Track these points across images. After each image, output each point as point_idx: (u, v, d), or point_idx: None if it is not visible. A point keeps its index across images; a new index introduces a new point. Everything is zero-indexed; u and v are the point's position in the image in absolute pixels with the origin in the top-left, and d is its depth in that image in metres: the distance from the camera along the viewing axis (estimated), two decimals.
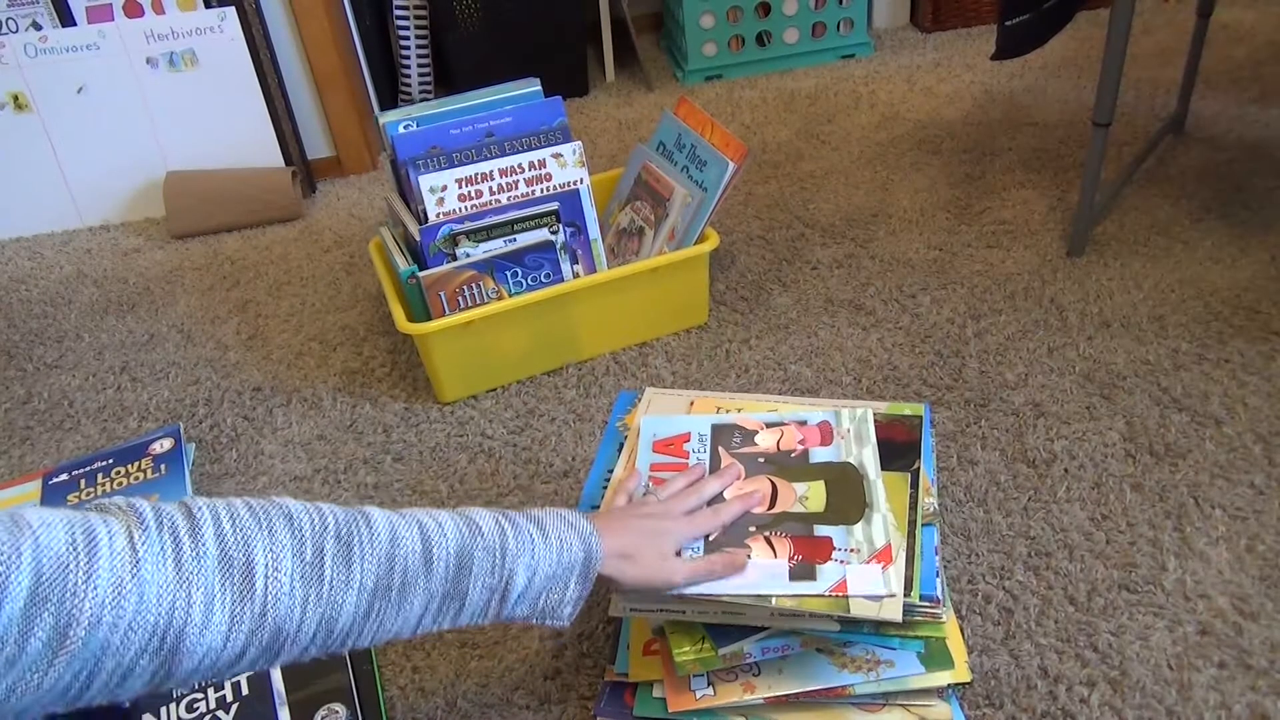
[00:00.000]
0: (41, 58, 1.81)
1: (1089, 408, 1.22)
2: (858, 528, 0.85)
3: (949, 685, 0.87)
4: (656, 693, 0.90)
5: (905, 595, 0.79)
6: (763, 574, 0.82)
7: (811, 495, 0.89)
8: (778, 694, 0.86)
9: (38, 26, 1.79)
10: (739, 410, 1.03)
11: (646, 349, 1.42)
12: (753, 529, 0.87)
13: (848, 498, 0.88)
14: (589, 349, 1.41)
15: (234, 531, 0.58)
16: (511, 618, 0.73)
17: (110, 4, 1.80)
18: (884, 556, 0.82)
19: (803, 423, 0.97)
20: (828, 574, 0.81)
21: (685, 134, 1.42)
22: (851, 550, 0.83)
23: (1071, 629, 0.95)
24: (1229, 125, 1.82)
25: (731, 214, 1.74)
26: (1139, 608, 0.97)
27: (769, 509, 0.89)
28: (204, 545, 0.56)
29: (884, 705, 0.87)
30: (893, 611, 0.79)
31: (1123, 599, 0.98)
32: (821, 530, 0.85)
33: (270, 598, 0.58)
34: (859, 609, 0.79)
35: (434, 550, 0.67)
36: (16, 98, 1.83)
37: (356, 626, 0.64)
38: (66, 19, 1.79)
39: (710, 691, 0.87)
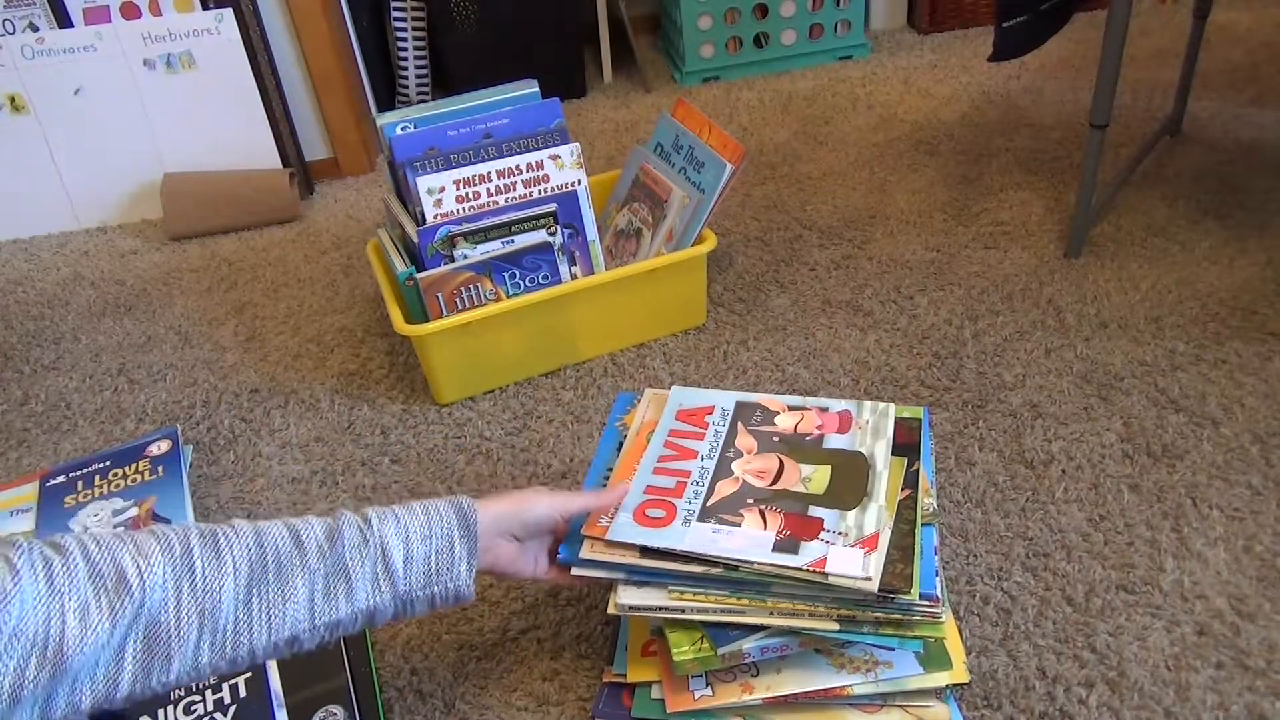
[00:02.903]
0: (39, 59, 1.80)
1: (1086, 408, 1.22)
2: (851, 513, 0.87)
3: (947, 686, 0.88)
4: (655, 694, 0.90)
5: (905, 593, 0.80)
6: (748, 542, 0.84)
7: (815, 477, 0.91)
8: (776, 695, 0.86)
9: (35, 28, 1.79)
10: None
11: (644, 350, 1.42)
12: (750, 501, 0.89)
13: (850, 484, 0.90)
14: (587, 350, 1.41)
15: (99, 549, 0.61)
16: (415, 596, 0.75)
17: (107, 6, 1.80)
18: (869, 543, 0.83)
19: (824, 409, 0.99)
20: (810, 550, 0.83)
21: (683, 135, 1.42)
22: (840, 533, 0.85)
23: (1069, 630, 0.95)
24: (1226, 127, 1.83)
25: (729, 215, 1.74)
26: (1137, 608, 0.97)
27: (772, 485, 0.91)
28: (73, 561, 0.59)
29: (882, 706, 0.87)
30: (859, 593, 0.81)
31: (1121, 599, 0.98)
32: (815, 511, 0.87)
33: (146, 590, 0.60)
34: (836, 582, 0.80)
35: (300, 533, 0.70)
36: (13, 99, 1.83)
37: (244, 619, 0.65)
38: (64, 20, 1.79)
39: (709, 692, 0.87)
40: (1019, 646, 0.94)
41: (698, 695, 0.87)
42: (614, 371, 1.39)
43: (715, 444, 0.98)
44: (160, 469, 1.25)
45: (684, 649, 0.85)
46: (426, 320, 1.30)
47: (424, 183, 1.31)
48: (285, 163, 1.97)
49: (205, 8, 1.82)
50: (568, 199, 1.35)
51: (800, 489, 0.90)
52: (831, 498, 0.89)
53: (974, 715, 0.89)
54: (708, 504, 0.90)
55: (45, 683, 0.57)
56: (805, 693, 0.86)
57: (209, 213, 1.88)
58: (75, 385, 1.49)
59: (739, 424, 0.99)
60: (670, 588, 0.85)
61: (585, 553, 0.87)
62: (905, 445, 0.95)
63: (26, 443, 1.39)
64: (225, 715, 0.92)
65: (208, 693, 0.94)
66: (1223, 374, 1.25)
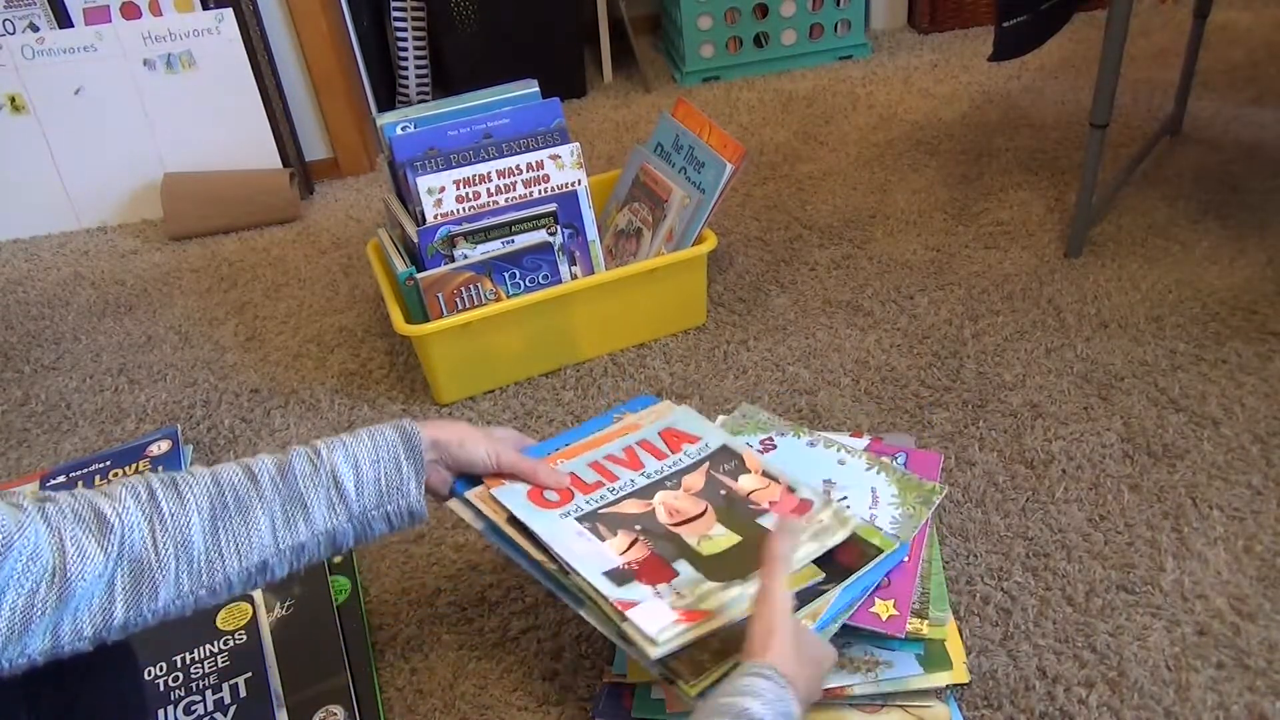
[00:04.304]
0: (39, 59, 1.80)
1: (1087, 408, 1.22)
2: (708, 584, 0.81)
3: (947, 686, 0.87)
4: (655, 694, 0.90)
5: (684, 683, 0.75)
6: (593, 555, 0.83)
7: (717, 541, 0.86)
8: None
9: (35, 28, 1.79)
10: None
11: (645, 350, 1.42)
12: (637, 527, 0.87)
13: (740, 562, 0.83)
14: (587, 350, 1.41)
15: (75, 499, 0.68)
16: (371, 516, 0.79)
17: (108, 6, 1.80)
18: (692, 617, 0.76)
19: (792, 489, 0.92)
20: (634, 591, 0.79)
21: (683, 135, 1.42)
22: (678, 593, 0.79)
23: (1069, 630, 0.95)
24: (1226, 126, 1.83)
25: (729, 215, 1.74)
26: (1137, 608, 0.97)
27: (673, 524, 0.88)
28: (61, 505, 0.66)
29: (882, 706, 0.87)
30: (641, 654, 0.75)
31: (1121, 599, 0.98)
32: (680, 565, 0.83)
33: (125, 528, 0.67)
34: (628, 629, 0.76)
35: (253, 468, 0.75)
36: (14, 99, 1.83)
37: (214, 549, 0.71)
38: (64, 20, 1.79)
39: None
40: (1019, 646, 0.94)
41: None
42: (614, 371, 1.39)
43: (667, 469, 0.95)
44: (160, 469, 1.25)
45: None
46: (426, 320, 1.30)
47: (424, 183, 1.31)
48: (285, 163, 1.97)
49: (205, 8, 1.82)
50: (568, 199, 1.35)
51: (692, 542, 0.85)
52: (710, 563, 0.83)
53: (974, 715, 0.89)
54: (600, 510, 0.88)
55: (53, 608, 0.63)
56: None
57: (209, 213, 1.88)
58: (75, 385, 1.49)
59: (705, 464, 0.95)
60: (512, 560, 0.87)
61: (470, 494, 0.89)
62: (840, 565, 0.85)
63: (26, 443, 1.39)
64: (225, 715, 0.92)
65: (208, 693, 0.94)
66: (1223, 374, 1.25)
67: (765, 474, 0.94)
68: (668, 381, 1.36)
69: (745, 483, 0.93)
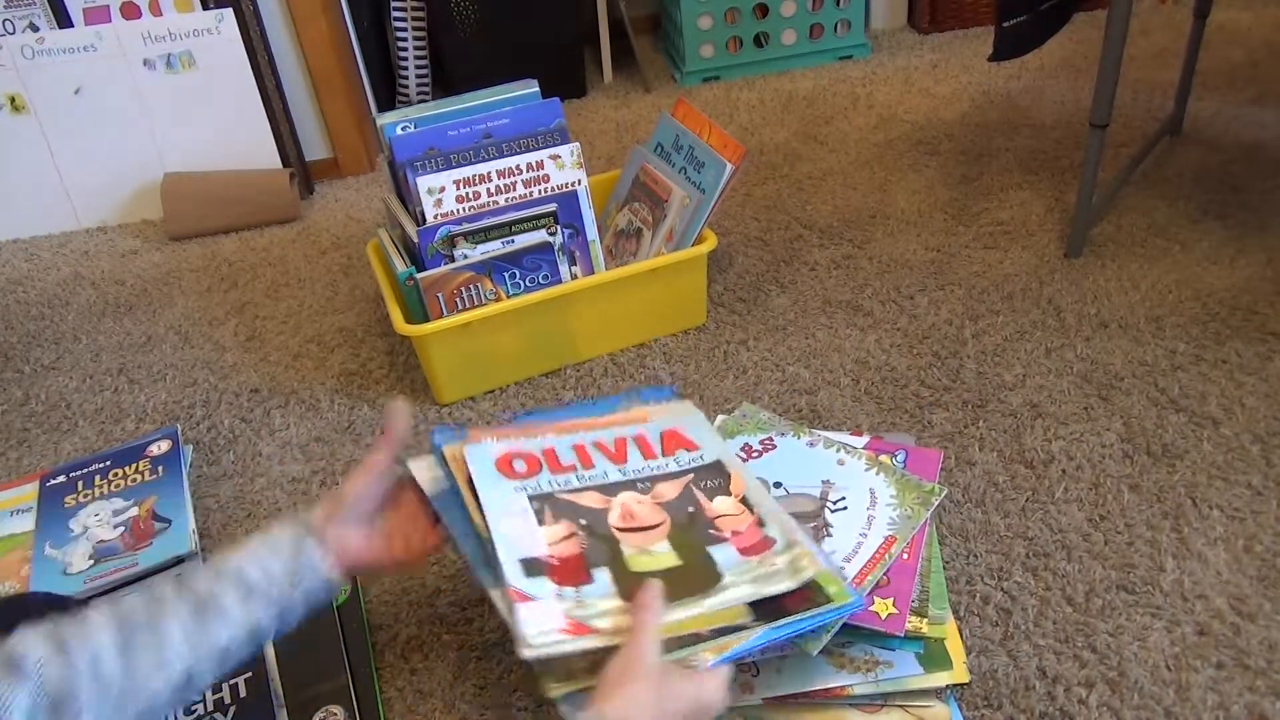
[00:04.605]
0: (39, 59, 1.80)
1: (1087, 408, 1.22)
2: (614, 602, 0.76)
3: (947, 686, 0.88)
4: None
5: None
6: (522, 538, 0.81)
7: (658, 558, 0.81)
8: (776, 694, 0.86)
9: (35, 28, 1.79)
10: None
11: (644, 350, 1.42)
12: (583, 522, 0.84)
13: (673, 586, 0.78)
14: (587, 350, 1.41)
15: None
16: (288, 600, 0.77)
17: (108, 5, 1.80)
18: (579, 629, 0.74)
19: (762, 523, 0.87)
20: (537, 586, 0.77)
21: (683, 135, 1.42)
22: (580, 601, 0.77)
23: (1069, 630, 0.95)
24: (1226, 126, 1.83)
25: (729, 215, 1.74)
26: (1137, 608, 0.97)
27: (620, 529, 0.84)
28: None
29: (882, 706, 0.87)
30: (520, 648, 0.73)
31: (1121, 599, 0.98)
32: (598, 571, 0.79)
33: (33, 667, 0.64)
34: (511, 620, 0.75)
35: (151, 587, 0.74)
36: (14, 99, 1.83)
37: (129, 669, 0.67)
38: (64, 20, 1.79)
39: None
40: (1019, 646, 0.94)
41: None
42: (614, 371, 1.39)
43: (648, 470, 0.91)
44: (160, 469, 1.25)
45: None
46: (426, 320, 1.30)
47: (424, 183, 1.31)
48: (285, 163, 1.97)
49: (205, 8, 1.82)
50: (568, 199, 1.35)
51: (627, 553, 0.82)
52: (632, 580, 0.79)
53: (974, 715, 0.89)
54: (558, 494, 0.86)
55: None
56: (805, 693, 0.86)
57: (209, 213, 1.88)
58: (75, 385, 1.49)
59: (689, 475, 0.92)
60: (448, 524, 0.85)
61: (446, 448, 0.89)
62: (776, 607, 0.78)
63: (26, 443, 1.39)
64: (225, 715, 0.92)
65: (208, 693, 0.94)
66: (1223, 374, 1.25)
67: (744, 500, 0.89)
68: (668, 381, 1.36)
69: (719, 505, 0.89)
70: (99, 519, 1.19)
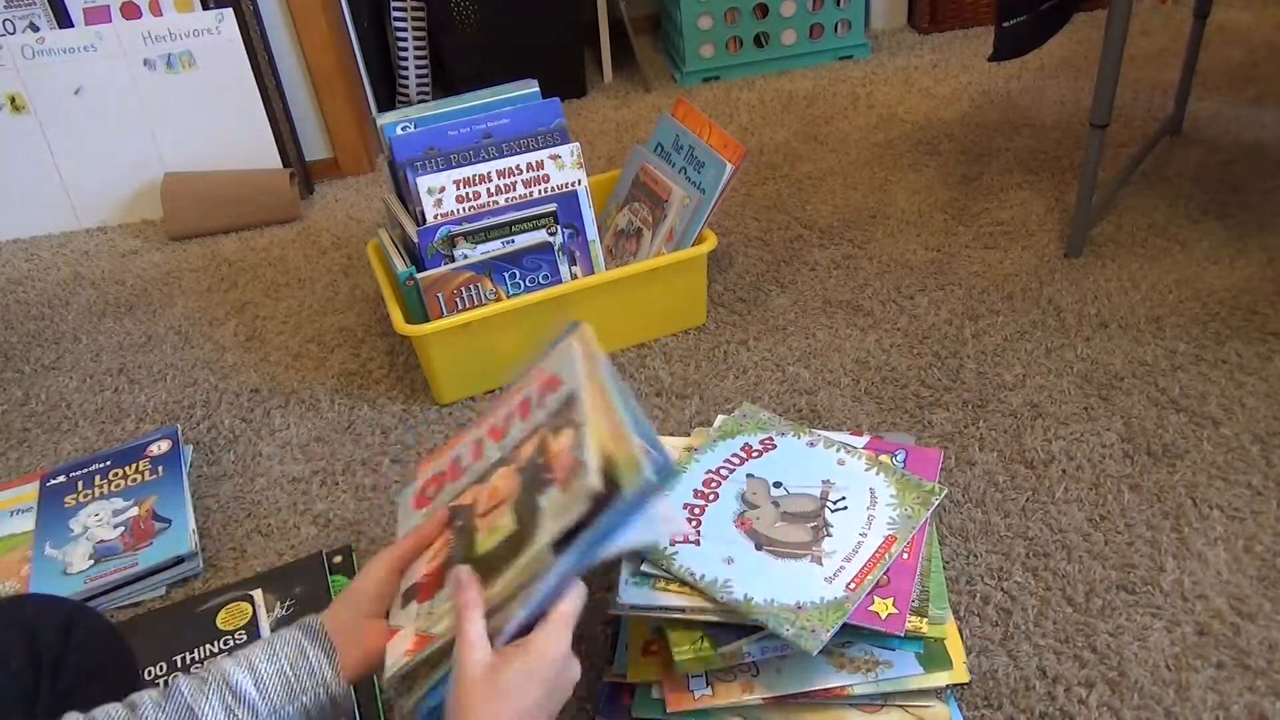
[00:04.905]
0: (39, 59, 1.80)
1: (1087, 408, 1.22)
2: (448, 603, 0.69)
3: (947, 686, 0.87)
4: (655, 693, 0.90)
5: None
6: (415, 563, 0.77)
7: (497, 531, 0.72)
8: (776, 694, 0.86)
9: (35, 28, 1.79)
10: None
11: (644, 350, 1.42)
12: (458, 523, 0.77)
13: (500, 559, 0.69)
14: None
15: None
16: (285, 713, 0.71)
17: (108, 5, 1.80)
18: (419, 643, 0.70)
19: (577, 445, 0.71)
20: (403, 616, 0.73)
21: (683, 135, 1.42)
22: (430, 613, 0.71)
23: (1070, 630, 0.95)
24: (1226, 126, 1.83)
25: (729, 215, 1.74)
26: (1137, 608, 0.97)
27: (484, 514, 0.75)
28: None
29: (882, 706, 0.87)
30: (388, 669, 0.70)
31: (1121, 599, 0.98)
32: (450, 575, 0.70)
33: None
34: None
35: (133, 700, 0.68)
36: (14, 99, 1.83)
37: None
38: (64, 20, 1.79)
39: (709, 692, 0.87)
40: (1019, 646, 0.94)
41: (698, 695, 0.87)
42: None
43: (518, 435, 0.79)
44: (160, 469, 1.25)
45: (684, 649, 0.85)
46: (426, 320, 1.30)
47: (424, 183, 1.31)
48: (285, 163, 1.97)
49: (205, 8, 1.82)
50: (568, 199, 1.35)
51: (479, 539, 0.73)
52: (480, 565, 0.70)
53: (974, 715, 0.89)
54: (447, 504, 0.79)
55: None
56: (805, 692, 0.86)
57: (209, 213, 1.88)
58: (75, 385, 1.49)
59: (545, 424, 0.77)
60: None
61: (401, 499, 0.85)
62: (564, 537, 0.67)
63: (27, 443, 1.39)
64: None
65: None
66: (1223, 374, 1.25)
67: (582, 424, 0.71)
68: (668, 381, 1.36)
69: (563, 440, 0.72)
70: (99, 519, 1.19)
